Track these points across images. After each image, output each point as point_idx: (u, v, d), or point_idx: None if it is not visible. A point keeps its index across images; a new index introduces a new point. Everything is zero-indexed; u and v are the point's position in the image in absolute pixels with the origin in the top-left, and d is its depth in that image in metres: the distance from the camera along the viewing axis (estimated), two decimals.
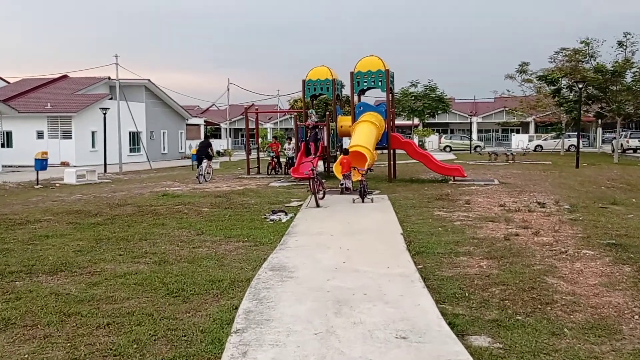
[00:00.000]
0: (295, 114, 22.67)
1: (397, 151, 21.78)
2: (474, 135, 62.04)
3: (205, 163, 21.98)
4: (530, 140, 57.24)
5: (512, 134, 62.35)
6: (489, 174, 23.37)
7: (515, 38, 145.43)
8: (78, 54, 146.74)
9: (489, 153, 34.58)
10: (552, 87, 38.49)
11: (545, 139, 53.82)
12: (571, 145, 52.06)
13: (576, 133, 54.40)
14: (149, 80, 45.22)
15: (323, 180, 15.89)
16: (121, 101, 36.71)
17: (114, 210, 13.88)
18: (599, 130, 57.40)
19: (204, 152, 22.21)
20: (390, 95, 20.16)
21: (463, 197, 15.20)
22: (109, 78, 43.74)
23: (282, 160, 25.91)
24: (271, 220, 12.35)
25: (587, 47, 37.31)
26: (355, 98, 20.48)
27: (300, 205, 14.22)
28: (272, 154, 25.92)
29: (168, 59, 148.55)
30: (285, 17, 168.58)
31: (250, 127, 27.45)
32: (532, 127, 64.42)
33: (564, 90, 38.55)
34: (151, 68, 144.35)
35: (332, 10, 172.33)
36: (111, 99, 40.63)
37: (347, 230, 10.81)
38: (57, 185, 22.42)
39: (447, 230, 10.63)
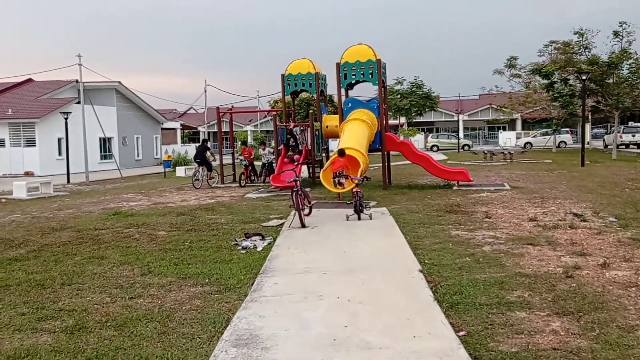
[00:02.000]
0: (275, 113, 19.49)
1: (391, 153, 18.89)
2: (461, 134, 59.48)
3: (201, 170, 20.61)
4: (518, 138, 54.82)
5: (499, 131, 59.92)
6: (492, 176, 20.63)
7: (495, 36, 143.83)
8: (46, 58, 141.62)
9: (484, 152, 31.90)
10: (546, 81, 35.93)
11: (534, 136, 51.40)
12: (561, 142, 49.80)
13: (567, 129, 52.67)
14: (119, 82, 41.83)
15: (308, 192, 12.96)
16: (89, 105, 33.53)
17: (45, 238, 10.80)
18: (588, 125, 55.26)
19: (200, 157, 20.94)
20: (383, 89, 17.24)
21: (479, 209, 12.37)
22: (77, 81, 40.24)
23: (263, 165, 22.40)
24: (243, 248, 9.39)
25: (581, 38, 34.88)
26: (343, 93, 17.54)
27: (282, 224, 11.26)
28: (244, 162, 21.52)
29: (143, 63, 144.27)
30: (264, 17, 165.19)
31: (227, 129, 24.37)
32: (519, 124, 62.09)
33: (558, 84, 36.01)
34: (126, 72, 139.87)
35: (313, 9, 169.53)
36: (78, 102, 37.22)
37: (344, 264, 7.88)
38: (3, 200, 19.16)
39: (478, 261, 7.76)
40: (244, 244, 9.64)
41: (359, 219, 11.04)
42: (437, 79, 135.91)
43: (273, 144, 20.80)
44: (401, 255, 8.19)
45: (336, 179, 13.24)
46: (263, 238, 10.05)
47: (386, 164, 17.16)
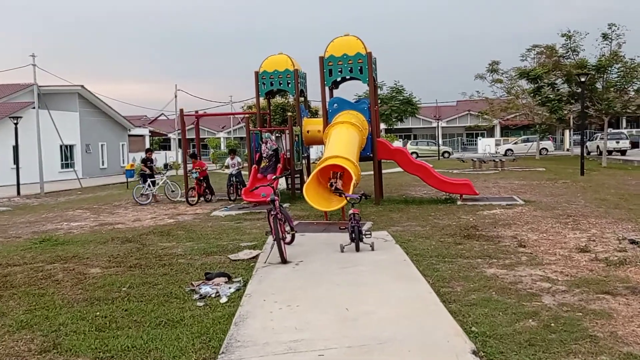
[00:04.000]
0: (247, 116, 16.48)
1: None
2: (439, 141, 57.37)
3: (146, 185, 17.49)
4: (497, 145, 52.92)
5: (479, 138, 57.98)
6: (492, 187, 18.14)
7: (473, 42, 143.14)
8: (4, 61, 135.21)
9: (472, 160, 29.49)
10: (532, 85, 33.86)
11: (515, 143, 49.46)
12: (543, 148, 47.97)
13: (549, 136, 50.85)
14: (82, 86, 38.42)
15: (289, 212, 10.16)
16: (49, 110, 30.35)
17: None
18: (567, 132, 53.76)
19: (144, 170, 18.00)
20: (374, 87, 14.54)
21: (503, 232, 9.76)
22: (37, 85, 36.76)
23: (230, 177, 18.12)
24: (202, 297, 6.59)
25: (569, 41, 32.90)
26: (327, 92, 14.82)
27: (255, 256, 8.46)
28: (195, 175, 16.69)
29: (113, 69, 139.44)
30: (236, 23, 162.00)
31: (199, 136, 21.38)
32: (497, 131, 60.25)
33: (545, 88, 33.96)
34: (97, 78, 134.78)
35: (287, 16, 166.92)
36: (41, 108, 33.71)
37: (350, 333, 5.10)
38: None
39: (549, 326, 5.09)
40: (203, 290, 6.83)
41: (358, 249, 8.29)
42: (414, 84, 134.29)
43: (246, 152, 17.60)
44: (432, 315, 5.47)
45: (333, 181, 10.69)
46: (230, 280, 7.26)
47: (379, 176, 14.45)
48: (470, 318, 5.38)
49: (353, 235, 8.27)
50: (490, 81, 41.10)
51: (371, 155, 14.11)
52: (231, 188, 16.87)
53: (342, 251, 8.27)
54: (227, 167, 17.77)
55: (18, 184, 25.29)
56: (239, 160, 17.99)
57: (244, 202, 14.81)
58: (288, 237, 8.58)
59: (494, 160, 27.61)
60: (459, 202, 13.71)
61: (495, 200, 14.05)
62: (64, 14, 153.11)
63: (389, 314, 5.54)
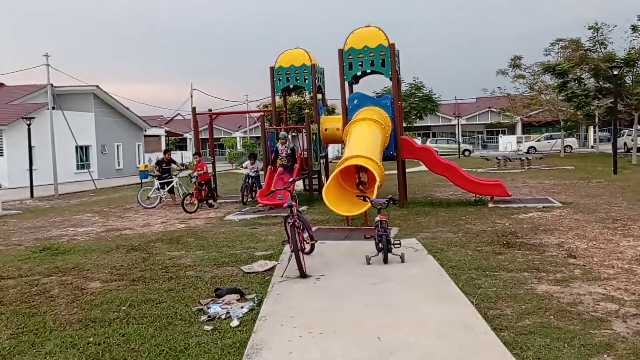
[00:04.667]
0: (262, 115, 15.51)
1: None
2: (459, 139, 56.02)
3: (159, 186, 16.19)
4: (519, 142, 51.43)
5: (499, 135, 56.47)
6: (522, 187, 17.06)
7: (482, 40, 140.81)
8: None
9: (497, 158, 28.26)
10: (558, 80, 32.51)
11: (538, 140, 47.92)
12: (567, 146, 46.42)
13: (570, 133, 49.20)
14: (97, 86, 37.95)
15: (307, 219, 9.20)
16: (63, 111, 29.95)
17: None
18: (591, 128, 52.05)
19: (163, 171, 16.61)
20: (397, 81, 13.55)
21: (546, 239, 8.75)
22: (52, 85, 36.36)
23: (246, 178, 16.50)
24: (210, 318, 5.73)
25: (596, 34, 31.49)
26: (347, 87, 13.88)
27: (271, 268, 7.57)
28: (194, 179, 14.99)
29: (131, 70, 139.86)
30: (253, 21, 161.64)
31: (216, 136, 20.50)
32: (519, 128, 58.65)
33: (572, 83, 32.58)
34: (112, 79, 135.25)
35: (306, 11, 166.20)
36: (54, 108, 33.31)
37: None
38: None
39: None
40: (212, 310, 5.97)
41: (386, 261, 7.34)
42: (432, 81, 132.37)
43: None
44: (484, 348, 4.51)
45: (361, 174, 9.82)
46: (242, 297, 6.39)
47: (403, 177, 13.47)
48: (530, 352, 4.42)
49: (380, 245, 7.33)
50: (512, 77, 39.85)
51: (394, 154, 13.15)
52: (246, 189, 15.64)
53: (368, 263, 7.34)
54: (245, 167, 16.46)
55: (31, 186, 24.74)
56: (260, 165, 16.30)
57: (259, 204, 13.94)
58: (307, 247, 7.69)
59: (520, 159, 26.38)
60: (490, 205, 12.69)
61: (530, 202, 13.00)
62: (83, 14, 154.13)
63: (432, 346, 4.60)
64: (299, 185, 16.85)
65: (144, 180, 25.84)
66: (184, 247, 9.41)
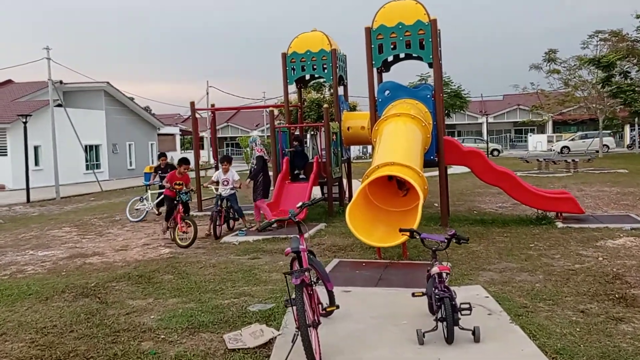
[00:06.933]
0: (271, 109, 12.61)
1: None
2: (485, 137, 52.67)
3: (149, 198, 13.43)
4: (549, 141, 47.96)
5: (529, 134, 52.89)
6: (579, 195, 13.96)
7: (504, 38, 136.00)
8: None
9: (538, 160, 25.05)
10: (604, 74, 29.21)
11: (572, 139, 44.33)
12: (604, 145, 42.81)
13: (610, 132, 45.43)
14: (108, 83, 35.66)
15: (321, 263, 5.92)
16: (66, 108, 27.69)
17: None
18: (627, 127, 48.32)
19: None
20: (439, 68, 10.59)
21: None
22: (61, 82, 34.12)
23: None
24: None
25: None
26: (376, 75, 11.03)
27: (268, 342, 4.80)
28: (185, 196, 9.94)
29: (151, 70, 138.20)
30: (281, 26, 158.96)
31: (233, 134, 17.68)
32: (549, 126, 54.95)
33: (617, 77, 29.27)
34: (143, 81, 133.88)
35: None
36: (60, 105, 31.02)
37: None
38: None
39: None
40: None
41: (451, 341, 4.50)
42: (456, 77, 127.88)
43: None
44: None
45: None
46: None
47: (445, 186, 10.54)
48: None
49: (441, 314, 4.49)
50: (546, 72, 36.60)
51: (435, 159, 10.23)
52: (218, 218, 10.31)
53: (421, 343, 4.50)
54: (215, 181, 10.72)
55: (27, 190, 22.41)
56: (236, 176, 10.54)
57: (261, 220, 10.77)
58: (322, 312, 4.87)
59: (565, 161, 23.17)
60: (559, 224, 9.73)
61: (608, 220, 10.01)
62: (98, 13, 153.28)
63: None
64: (316, 190, 13.76)
65: (147, 183, 23.30)
66: (154, 291, 6.68)
